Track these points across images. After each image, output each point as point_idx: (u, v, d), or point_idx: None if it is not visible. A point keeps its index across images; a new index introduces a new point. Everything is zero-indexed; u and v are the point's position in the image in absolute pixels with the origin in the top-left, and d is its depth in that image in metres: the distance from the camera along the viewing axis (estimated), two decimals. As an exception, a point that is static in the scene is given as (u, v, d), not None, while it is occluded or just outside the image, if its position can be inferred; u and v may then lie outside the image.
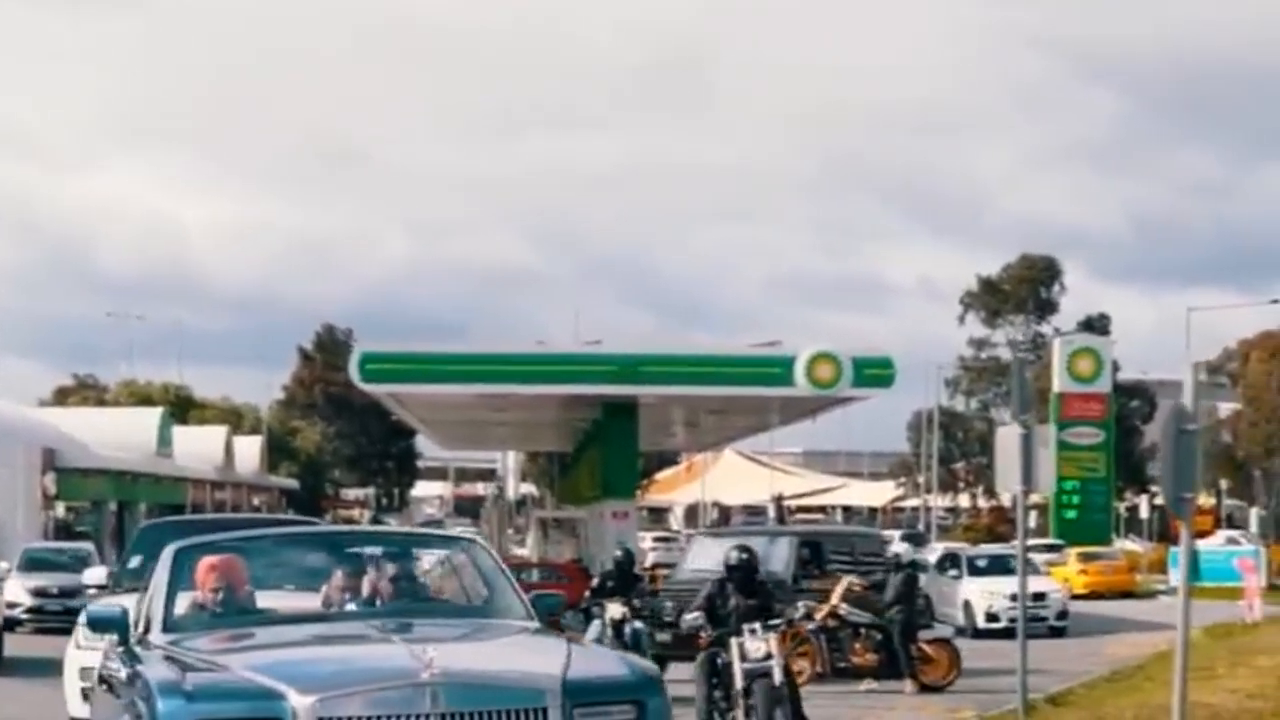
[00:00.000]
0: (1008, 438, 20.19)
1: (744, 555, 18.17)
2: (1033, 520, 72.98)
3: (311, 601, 11.47)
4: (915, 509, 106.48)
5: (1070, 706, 20.54)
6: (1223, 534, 64.74)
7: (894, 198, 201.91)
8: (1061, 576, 48.18)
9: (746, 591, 17.96)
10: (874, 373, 39.42)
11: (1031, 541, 45.93)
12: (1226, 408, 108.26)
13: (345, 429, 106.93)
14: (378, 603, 11.29)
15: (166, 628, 10.94)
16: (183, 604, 11.18)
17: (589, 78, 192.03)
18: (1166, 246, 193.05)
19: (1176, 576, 45.71)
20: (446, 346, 41.43)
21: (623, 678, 9.88)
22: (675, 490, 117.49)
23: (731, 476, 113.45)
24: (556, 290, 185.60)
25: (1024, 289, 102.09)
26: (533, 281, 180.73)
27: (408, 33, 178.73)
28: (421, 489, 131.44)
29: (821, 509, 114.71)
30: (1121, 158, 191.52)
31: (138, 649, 10.89)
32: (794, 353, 39.11)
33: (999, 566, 39.23)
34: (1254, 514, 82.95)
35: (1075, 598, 47.01)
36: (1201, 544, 45.95)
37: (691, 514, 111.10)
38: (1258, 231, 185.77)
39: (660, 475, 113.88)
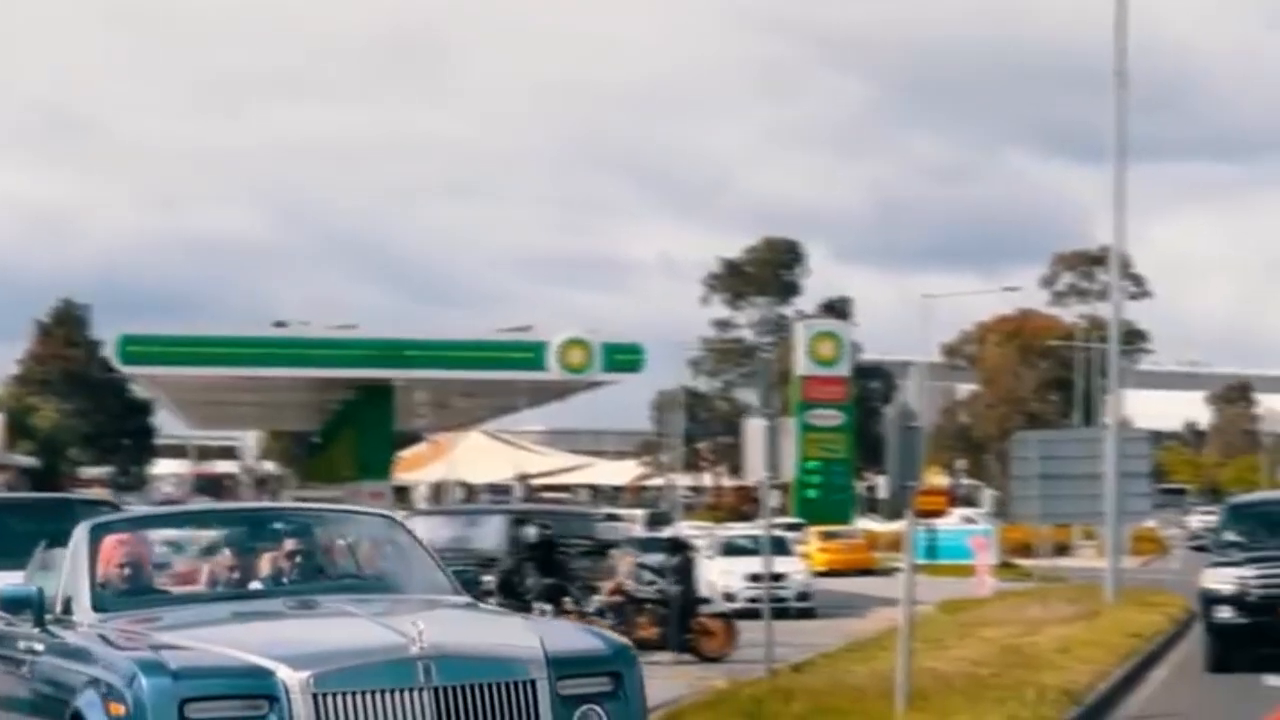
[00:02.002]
0: (754, 429, 21.91)
1: (545, 533, 17.88)
2: (776, 500, 74.63)
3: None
4: (660, 488, 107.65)
5: (811, 673, 21.65)
6: (958, 513, 66.64)
7: (636, 175, 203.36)
8: (804, 555, 49.46)
9: (544, 570, 18.06)
10: (624, 358, 40.48)
11: (773, 521, 47.23)
12: (964, 389, 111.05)
13: (82, 406, 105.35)
14: (284, 580, 11.15)
15: (96, 607, 10.69)
16: (102, 582, 10.95)
17: (325, 48, 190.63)
18: (905, 229, 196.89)
19: (919, 556, 47.40)
20: (207, 329, 41.67)
21: (601, 650, 9.98)
22: (420, 469, 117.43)
23: (476, 455, 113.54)
24: (293, 265, 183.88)
25: (767, 271, 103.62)
26: (269, 256, 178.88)
27: (136, 0, 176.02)
28: (161, 467, 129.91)
29: (566, 488, 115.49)
30: (861, 140, 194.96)
31: (64, 630, 10.69)
32: (546, 338, 40.01)
33: (744, 548, 39.88)
34: (988, 494, 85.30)
35: (817, 575, 48.36)
36: (938, 523, 47.52)
37: (437, 493, 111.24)
38: (994, 214, 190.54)
39: (405, 453, 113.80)
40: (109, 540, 11.23)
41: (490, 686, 9.29)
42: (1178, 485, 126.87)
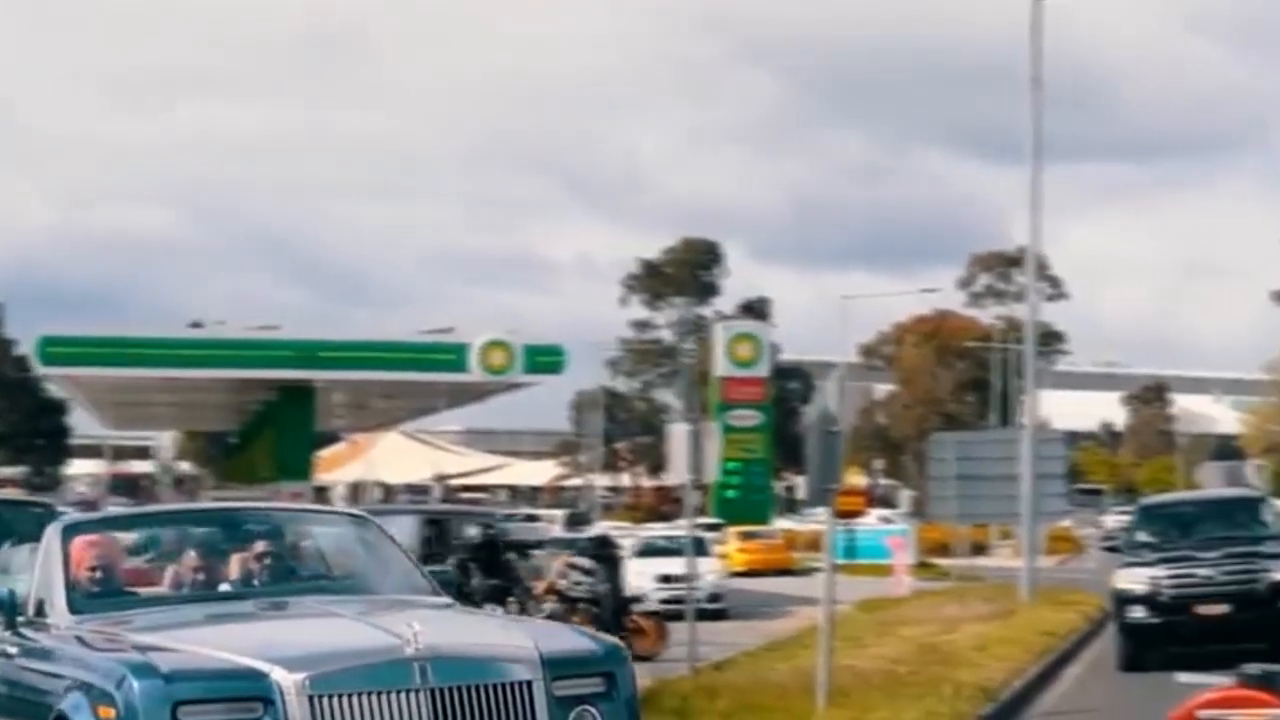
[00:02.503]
0: (678, 433, 22.28)
1: (489, 534, 17.75)
2: (695, 500, 74.92)
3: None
4: (578, 488, 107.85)
5: (733, 671, 21.93)
6: (876, 514, 67.06)
7: (556, 175, 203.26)
8: (722, 555, 49.75)
9: (489, 572, 18.07)
10: (545, 360, 40.70)
11: (705, 520, 47.63)
12: (882, 389, 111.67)
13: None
14: (257, 581, 11.07)
15: (72, 609, 10.56)
16: (75, 583, 10.79)
17: (244, 45, 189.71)
18: (823, 228, 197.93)
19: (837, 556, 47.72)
20: (129, 330, 41.54)
21: (594, 651, 9.96)
22: (338, 469, 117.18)
23: (394, 455, 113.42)
24: (210, 264, 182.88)
25: (685, 272, 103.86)
26: (186, 254, 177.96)
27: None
28: (76, 467, 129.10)
29: (484, 488, 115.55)
30: (779, 140, 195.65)
31: (37, 633, 10.58)
32: (468, 340, 40.20)
33: (661, 549, 39.91)
34: (905, 494, 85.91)
35: (736, 575, 48.70)
36: (856, 523, 47.89)
37: (355, 493, 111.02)
38: (912, 214, 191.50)
39: (323, 453, 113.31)
40: (81, 541, 11.10)
41: (486, 688, 9.23)
42: (1094, 485, 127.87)
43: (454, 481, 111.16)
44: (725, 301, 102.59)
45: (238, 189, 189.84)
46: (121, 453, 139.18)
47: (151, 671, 9.01)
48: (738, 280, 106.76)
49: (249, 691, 8.95)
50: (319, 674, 8.98)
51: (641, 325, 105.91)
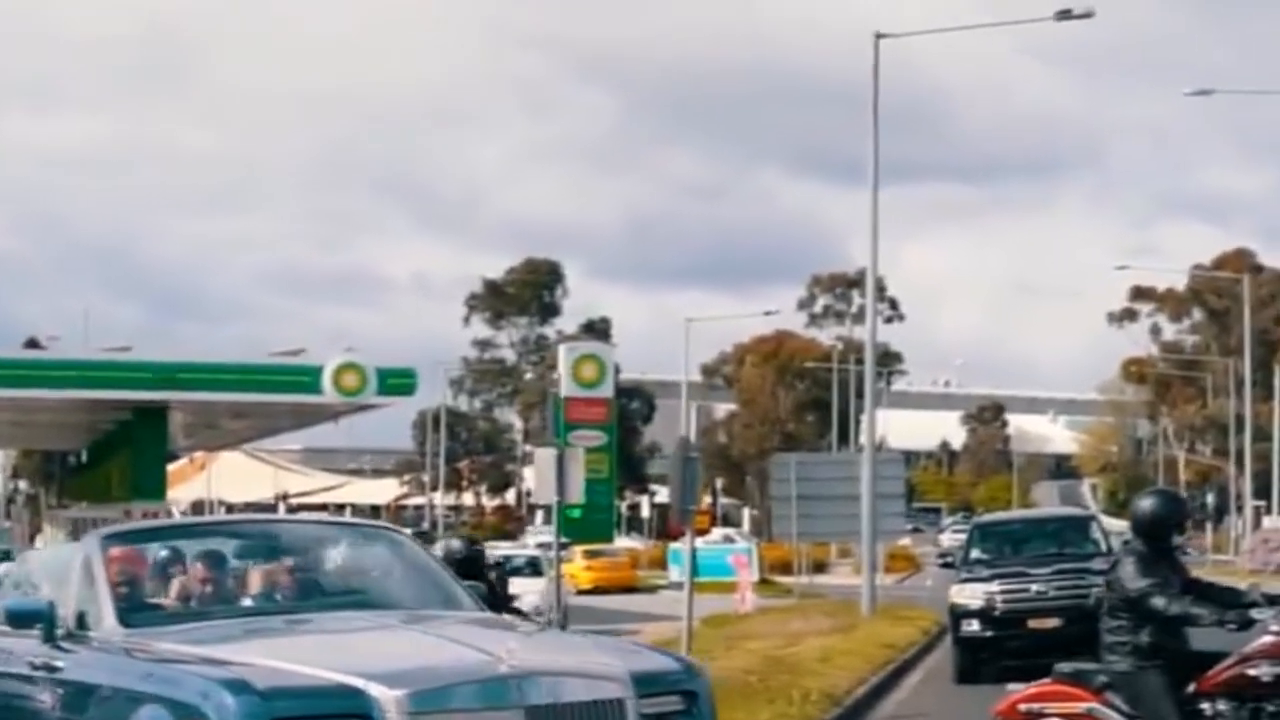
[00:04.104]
0: (544, 457, 23.14)
1: (474, 548, 17.87)
2: (540, 519, 75.69)
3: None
4: (420, 507, 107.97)
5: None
6: (719, 532, 68.02)
7: (390, 190, 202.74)
8: (569, 573, 50.48)
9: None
10: (397, 382, 41.30)
11: (544, 539, 48.27)
12: (723, 409, 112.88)
13: None
14: (305, 595, 10.87)
15: (124, 621, 10.19)
16: (122, 596, 10.48)
17: (74, 56, 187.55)
18: (662, 247, 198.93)
19: (677, 572, 48.57)
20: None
21: (677, 670, 9.91)
22: (178, 487, 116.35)
23: (235, 474, 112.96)
24: (40, 279, 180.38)
25: (527, 292, 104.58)
26: (15, 269, 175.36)
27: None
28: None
29: (324, 506, 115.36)
30: (619, 158, 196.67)
31: (82, 646, 10.26)
32: (321, 362, 40.70)
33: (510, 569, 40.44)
34: (747, 513, 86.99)
35: (582, 593, 49.52)
36: (699, 541, 48.85)
37: (197, 511, 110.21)
38: (752, 234, 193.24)
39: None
40: (122, 552, 10.89)
41: (582, 706, 9.06)
42: (932, 504, 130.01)
43: (295, 500, 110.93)
44: (567, 321, 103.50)
45: (71, 203, 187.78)
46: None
47: (247, 688, 8.65)
48: (577, 299, 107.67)
49: (348, 709, 8.63)
50: (419, 691, 8.72)
51: (484, 345, 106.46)
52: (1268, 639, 11.12)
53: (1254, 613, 11.09)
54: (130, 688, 9.37)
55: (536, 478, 23.50)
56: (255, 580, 10.91)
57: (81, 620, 10.32)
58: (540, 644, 10.13)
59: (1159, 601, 11.05)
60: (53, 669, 10.24)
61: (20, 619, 10.54)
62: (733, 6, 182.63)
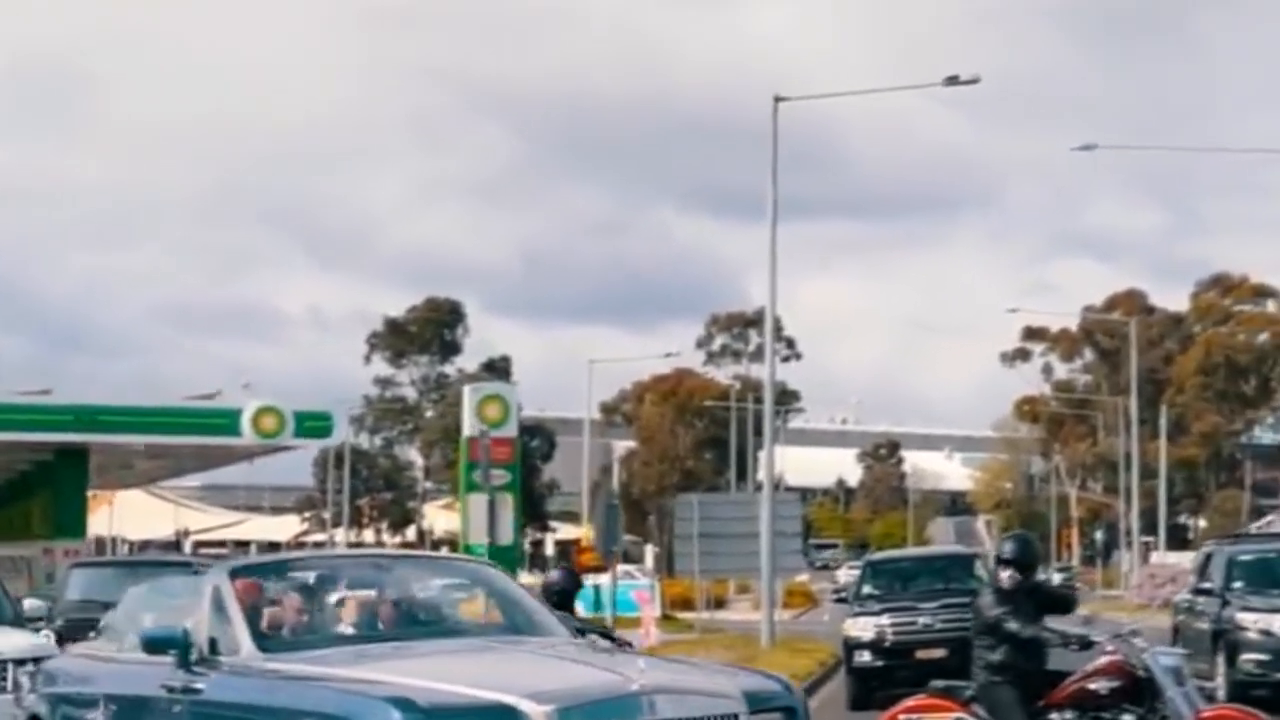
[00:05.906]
0: (476, 502, 24.53)
1: (574, 580, 18.82)
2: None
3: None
4: (320, 544, 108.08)
5: None
6: (621, 568, 69.08)
7: (282, 225, 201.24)
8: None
9: None
10: (314, 424, 42.61)
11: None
12: (622, 446, 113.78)
13: None
14: (379, 625, 11.43)
15: (263, 647, 10.77)
16: (258, 623, 11.09)
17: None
18: (559, 283, 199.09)
19: (582, 609, 49.45)
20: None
21: (780, 689, 10.33)
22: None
23: (134, 510, 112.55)
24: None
25: (428, 330, 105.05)
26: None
27: None
28: None
29: (222, 543, 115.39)
30: (515, 194, 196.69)
31: (217, 671, 10.80)
32: (240, 405, 41.87)
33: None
34: (649, 550, 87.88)
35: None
36: (600, 578, 50.15)
37: (99, 548, 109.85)
38: (648, 271, 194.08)
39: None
40: (249, 583, 11.40)
41: None
42: (829, 540, 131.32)
43: (196, 537, 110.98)
44: (468, 359, 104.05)
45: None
46: None
47: (412, 705, 9.11)
48: (475, 335, 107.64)
49: None
50: (567, 707, 9.16)
51: (385, 382, 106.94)
52: (1103, 659, 13.23)
53: (1093, 635, 13.32)
54: (287, 706, 9.95)
55: (467, 520, 24.90)
56: (365, 610, 11.55)
57: (214, 646, 10.92)
58: (658, 665, 10.41)
59: (1012, 625, 13.25)
60: (192, 691, 10.87)
61: (156, 645, 11.17)
62: (632, 43, 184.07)
